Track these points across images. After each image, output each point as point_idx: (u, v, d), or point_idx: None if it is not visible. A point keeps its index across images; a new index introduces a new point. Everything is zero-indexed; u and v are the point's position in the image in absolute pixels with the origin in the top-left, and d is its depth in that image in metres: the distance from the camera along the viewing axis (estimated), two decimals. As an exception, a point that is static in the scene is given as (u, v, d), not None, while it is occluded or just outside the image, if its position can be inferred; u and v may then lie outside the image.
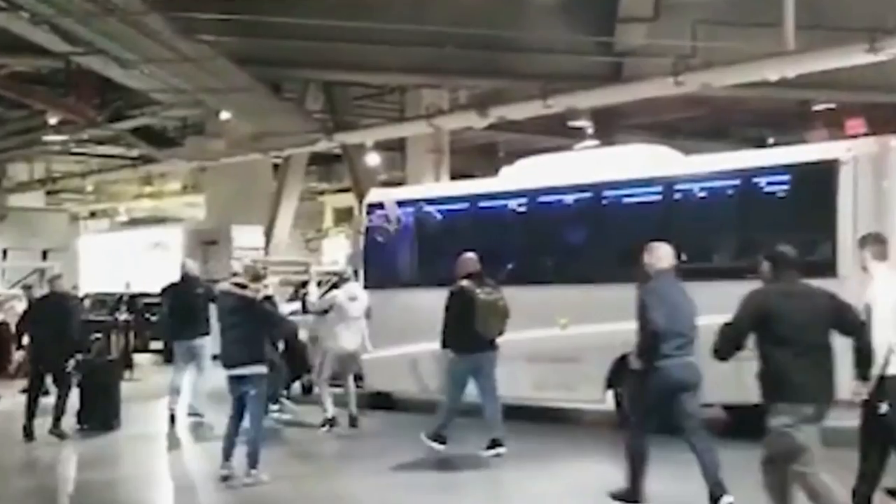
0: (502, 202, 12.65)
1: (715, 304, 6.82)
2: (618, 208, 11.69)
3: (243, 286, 8.88)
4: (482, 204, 12.79)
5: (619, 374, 10.69)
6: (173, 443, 11.79)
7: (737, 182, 10.79)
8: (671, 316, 7.11)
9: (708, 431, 7.30)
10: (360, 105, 24.46)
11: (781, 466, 5.88)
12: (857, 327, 6.16)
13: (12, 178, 32.71)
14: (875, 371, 6.27)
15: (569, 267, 11.99)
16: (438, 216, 13.04)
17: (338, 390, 11.79)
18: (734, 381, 7.37)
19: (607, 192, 11.69)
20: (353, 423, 11.52)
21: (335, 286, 12.67)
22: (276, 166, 26.82)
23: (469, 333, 9.31)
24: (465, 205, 13.01)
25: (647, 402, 7.28)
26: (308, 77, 21.09)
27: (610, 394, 11.09)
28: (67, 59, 17.52)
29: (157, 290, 22.55)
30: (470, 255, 9.89)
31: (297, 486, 9.01)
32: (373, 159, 24.18)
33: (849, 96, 17.85)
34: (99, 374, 12.51)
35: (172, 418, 12.28)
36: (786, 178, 10.50)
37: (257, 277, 9.13)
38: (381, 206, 13.36)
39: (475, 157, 27.71)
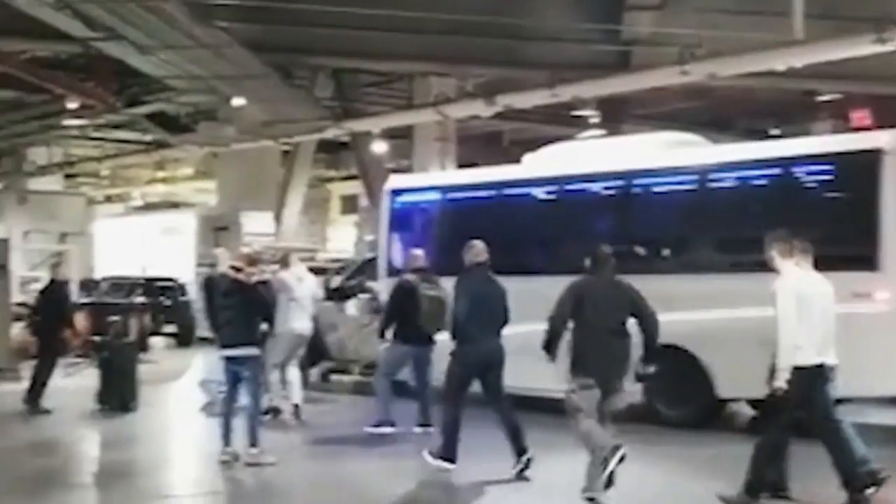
0: (526, 190, 12.46)
1: (746, 297, 7.11)
2: (648, 197, 11.45)
3: (238, 269, 9.12)
4: (506, 191, 12.59)
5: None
6: (189, 423, 12.07)
7: (775, 171, 10.49)
8: (477, 305, 8.27)
9: (510, 405, 8.46)
10: (368, 93, 24.63)
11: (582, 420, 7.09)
12: (645, 315, 7.30)
13: (32, 162, 33.03)
14: (781, 362, 6.86)
15: None
16: (460, 203, 13.02)
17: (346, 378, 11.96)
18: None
19: (637, 180, 11.41)
20: (296, 411, 11.38)
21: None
22: (284, 153, 27.04)
23: (411, 326, 9.89)
24: (488, 192, 12.83)
25: (457, 378, 8.37)
26: (318, 64, 21.27)
27: (639, 387, 10.70)
28: (87, 45, 17.77)
29: (172, 274, 23.27)
30: (417, 251, 10.62)
31: (303, 469, 9.21)
32: (380, 147, 24.32)
33: (855, 87, 17.94)
34: (117, 356, 12.74)
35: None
36: (826, 167, 10.23)
37: (253, 262, 9.38)
38: (402, 192, 13.41)
39: (480, 145, 27.88)
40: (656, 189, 11.39)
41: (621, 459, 6.99)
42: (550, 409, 9.33)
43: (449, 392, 8.53)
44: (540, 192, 12.39)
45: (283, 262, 11.68)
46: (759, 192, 10.66)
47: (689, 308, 10.28)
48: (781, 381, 6.84)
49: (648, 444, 9.77)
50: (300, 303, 11.34)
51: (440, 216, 13.20)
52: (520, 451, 8.24)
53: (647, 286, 10.39)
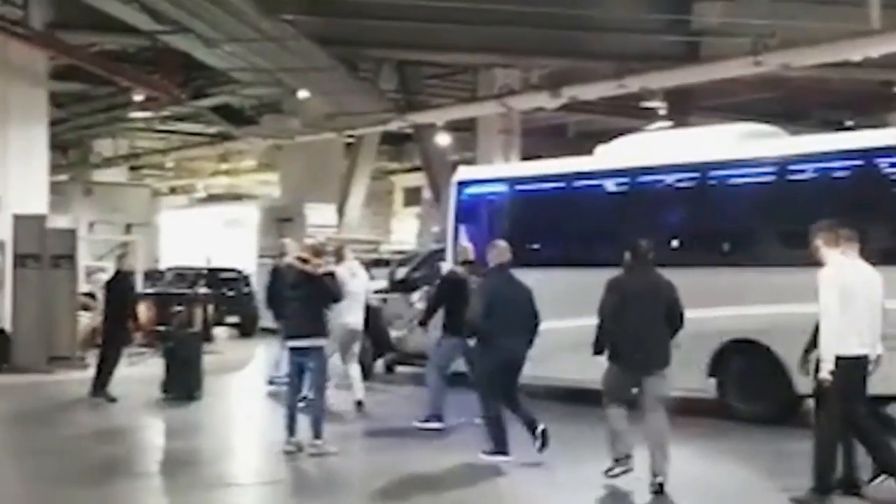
0: (599, 181, 12.24)
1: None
2: (725, 188, 11.17)
3: (305, 261, 9.07)
4: (577, 183, 12.40)
5: (721, 362, 10.56)
6: (253, 413, 12.14)
7: (855, 163, 10.24)
8: (498, 306, 8.40)
9: (524, 400, 8.73)
10: (432, 85, 24.58)
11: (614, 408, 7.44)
12: (676, 322, 7.44)
13: (98, 154, 33.62)
14: (824, 353, 6.75)
15: (668, 250, 11.14)
16: (530, 195, 12.90)
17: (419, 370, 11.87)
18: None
19: (714, 172, 11.17)
20: (359, 408, 11.29)
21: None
22: (348, 145, 27.12)
23: (461, 318, 9.60)
24: (559, 184, 12.66)
25: (485, 377, 8.68)
26: (382, 56, 21.30)
27: (712, 382, 10.71)
28: (154, 38, 18.01)
29: (235, 265, 23.49)
30: (467, 244, 10.74)
31: (364, 460, 9.24)
32: (443, 139, 24.26)
33: (933, 77, 17.44)
34: (181, 345, 12.85)
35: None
36: None
37: (319, 253, 9.30)
38: (470, 183, 13.35)
39: (544, 138, 27.62)
40: (734, 181, 11.11)
41: (626, 471, 7.35)
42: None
43: (483, 391, 8.68)
44: (613, 184, 12.19)
45: (338, 257, 11.63)
46: (838, 185, 10.38)
47: (765, 302, 10.14)
48: (825, 373, 6.75)
49: (717, 440, 9.69)
50: (354, 297, 11.25)
51: (508, 208, 13.08)
52: (534, 430, 8.43)
53: (723, 279, 10.46)
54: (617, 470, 7.47)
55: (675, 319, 7.44)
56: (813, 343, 7.04)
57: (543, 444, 8.41)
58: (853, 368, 6.82)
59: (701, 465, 8.47)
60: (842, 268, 6.92)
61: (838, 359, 6.72)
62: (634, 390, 7.55)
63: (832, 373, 6.72)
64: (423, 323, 10.81)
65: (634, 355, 7.34)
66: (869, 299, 6.91)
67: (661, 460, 7.19)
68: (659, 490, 7.14)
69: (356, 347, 11.69)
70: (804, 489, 6.93)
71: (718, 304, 10.26)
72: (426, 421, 10.18)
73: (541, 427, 8.42)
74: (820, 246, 7.03)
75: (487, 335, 8.49)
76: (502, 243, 8.81)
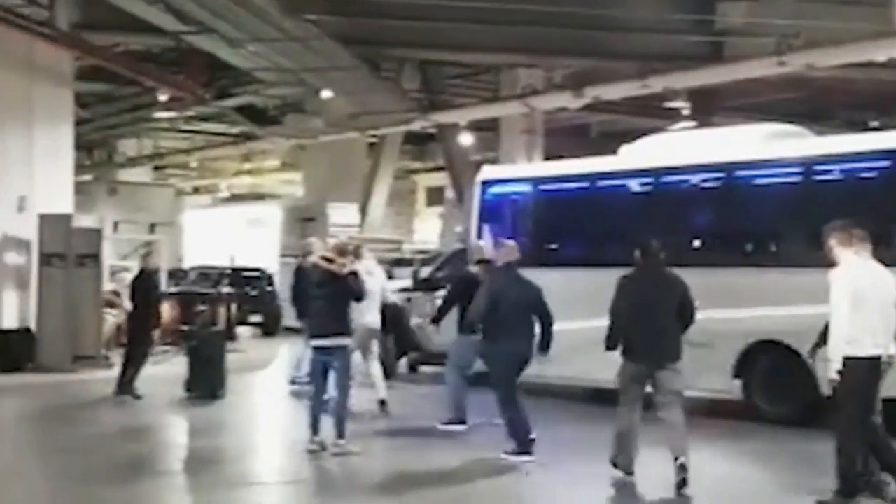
0: (623, 181, 12.21)
1: None
2: (748, 189, 11.11)
3: (330, 260, 9.09)
4: (602, 183, 12.39)
5: (747, 363, 10.54)
6: (276, 411, 12.19)
7: (883, 163, 10.16)
8: (503, 305, 8.44)
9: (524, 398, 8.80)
10: (455, 85, 24.58)
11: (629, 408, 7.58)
12: (687, 318, 7.64)
13: (122, 154, 33.87)
14: (831, 354, 6.77)
15: (693, 250, 11.30)
16: (554, 195, 12.89)
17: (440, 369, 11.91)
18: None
19: (740, 172, 11.10)
20: (382, 407, 11.22)
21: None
22: (371, 145, 27.17)
23: None
24: (583, 183, 12.66)
25: (502, 377, 8.66)
26: (405, 56, 21.34)
27: (738, 383, 10.65)
28: (179, 39, 18.13)
29: (258, 264, 23.58)
30: (482, 242, 10.74)
31: (387, 460, 9.26)
32: (466, 139, 24.27)
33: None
34: (205, 344, 12.90)
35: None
36: None
37: (343, 253, 9.31)
38: (494, 183, 13.35)
39: (567, 138, 27.54)
40: (759, 181, 11.05)
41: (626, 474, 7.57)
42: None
43: (501, 392, 8.65)
44: (638, 184, 12.15)
45: (355, 255, 11.61)
46: (864, 185, 10.31)
47: (791, 303, 10.06)
48: (833, 373, 6.75)
49: (742, 441, 9.68)
50: (370, 296, 11.09)
51: (532, 207, 13.07)
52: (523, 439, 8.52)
53: (748, 280, 10.44)
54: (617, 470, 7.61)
55: (686, 315, 7.64)
56: (823, 340, 7.04)
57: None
58: (864, 369, 6.77)
59: (726, 466, 8.47)
60: (854, 268, 6.91)
61: (852, 359, 6.69)
62: (648, 389, 7.62)
63: (841, 373, 6.70)
64: (436, 321, 10.82)
65: (647, 349, 7.51)
66: (882, 300, 6.88)
67: (680, 443, 7.25)
68: (683, 477, 7.13)
69: (374, 346, 11.70)
70: (831, 491, 6.89)
71: (744, 305, 10.25)
72: (449, 423, 10.16)
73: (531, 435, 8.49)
74: (833, 246, 7.04)
75: (493, 335, 8.50)
76: (510, 242, 8.90)
